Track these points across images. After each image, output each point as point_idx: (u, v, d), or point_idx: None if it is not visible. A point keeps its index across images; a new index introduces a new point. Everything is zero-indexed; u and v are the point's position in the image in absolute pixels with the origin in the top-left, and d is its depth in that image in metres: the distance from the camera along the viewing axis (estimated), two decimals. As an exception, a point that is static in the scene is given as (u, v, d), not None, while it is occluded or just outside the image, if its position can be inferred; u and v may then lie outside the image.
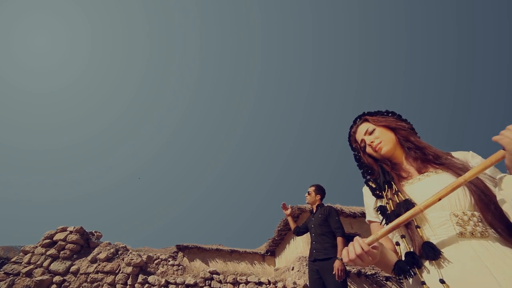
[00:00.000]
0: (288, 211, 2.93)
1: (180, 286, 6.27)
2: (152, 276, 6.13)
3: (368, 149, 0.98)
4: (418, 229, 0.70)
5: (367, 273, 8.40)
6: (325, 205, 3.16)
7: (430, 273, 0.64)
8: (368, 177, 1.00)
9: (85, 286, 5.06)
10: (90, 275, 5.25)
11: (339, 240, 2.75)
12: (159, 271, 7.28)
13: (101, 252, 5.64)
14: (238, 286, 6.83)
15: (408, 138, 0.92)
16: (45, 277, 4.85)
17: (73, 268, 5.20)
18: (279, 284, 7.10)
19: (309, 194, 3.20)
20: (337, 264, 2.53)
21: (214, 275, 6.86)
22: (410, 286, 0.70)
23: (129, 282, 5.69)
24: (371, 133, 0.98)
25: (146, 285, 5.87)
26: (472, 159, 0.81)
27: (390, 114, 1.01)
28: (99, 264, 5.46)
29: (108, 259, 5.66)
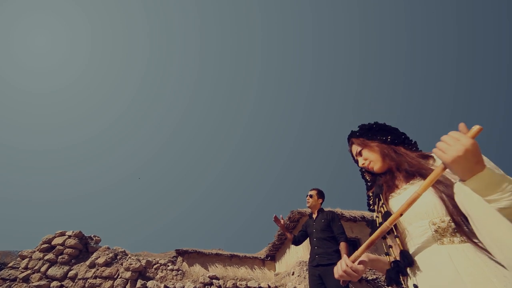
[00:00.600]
0: (282, 223, 2.80)
1: (179, 291, 6.16)
2: (151, 281, 6.03)
3: (364, 169, 1.05)
4: (397, 238, 0.75)
5: (368, 278, 8.29)
6: (325, 210, 3.11)
7: (410, 279, 0.69)
8: (367, 192, 1.05)
9: (83, 291, 4.95)
10: (88, 280, 5.14)
11: (343, 245, 2.72)
12: (158, 276, 7.16)
13: (99, 256, 5.54)
14: (238, 291, 6.71)
15: (388, 155, 0.95)
16: (42, 282, 4.74)
17: (71, 273, 5.09)
18: (280, 289, 6.98)
19: (311, 197, 3.13)
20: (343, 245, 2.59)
21: (213, 280, 6.75)
22: None
23: (127, 287, 5.59)
24: (361, 155, 1.03)
25: (145, 290, 5.77)
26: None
27: (373, 128, 1.03)
28: (97, 269, 5.35)
29: (107, 264, 5.56)
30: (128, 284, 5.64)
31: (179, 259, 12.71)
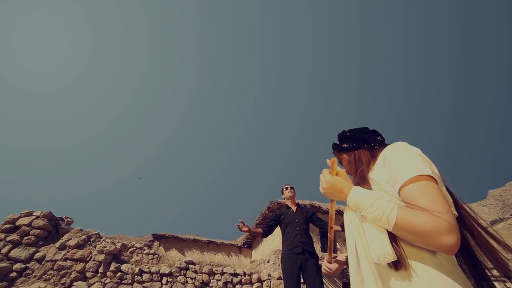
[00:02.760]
0: (246, 229, 2.72)
1: (154, 275, 5.96)
2: (125, 264, 5.76)
3: None
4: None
5: (339, 268, 8.64)
6: (301, 204, 3.28)
7: None
8: None
9: (50, 274, 4.57)
10: (57, 262, 4.76)
11: (336, 227, 2.85)
12: (133, 259, 6.88)
13: (71, 238, 5.14)
14: (214, 276, 6.65)
15: (352, 168, 0.98)
16: (3, 264, 4.29)
17: (37, 255, 4.66)
18: (254, 276, 7.02)
19: (293, 189, 3.28)
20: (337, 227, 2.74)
21: (190, 265, 6.61)
22: None
23: (100, 270, 5.28)
24: (341, 163, 1.08)
25: (119, 273, 5.50)
26: (393, 153, 0.79)
27: (345, 137, 1.03)
28: (68, 251, 4.96)
29: (79, 246, 5.19)
30: (101, 266, 5.33)
31: (156, 243, 12.39)
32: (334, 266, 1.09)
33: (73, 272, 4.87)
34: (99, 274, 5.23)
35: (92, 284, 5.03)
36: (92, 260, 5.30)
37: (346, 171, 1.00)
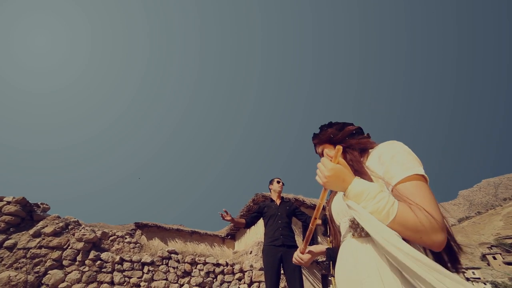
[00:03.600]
0: (229, 218, 2.76)
1: (136, 264, 5.83)
2: (105, 252, 5.58)
3: None
4: (329, 238, 0.92)
5: (318, 260, 8.88)
6: (285, 198, 3.32)
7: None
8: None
9: (23, 262, 4.32)
10: (31, 250, 4.50)
11: (318, 221, 2.98)
12: (114, 248, 6.68)
13: (47, 225, 4.86)
14: (196, 266, 6.62)
15: (345, 155, 0.98)
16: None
17: (8, 243, 4.37)
18: (236, 267, 7.07)
19: (283, 184, 3.29)
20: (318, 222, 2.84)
21: (172, 255, 6.53)
22: None
23: (78, 258, 5.07)
24: (322, 155, 1.05)
25: (99, 261, 5.32)
26: (390, 150, 0.81)
27: (327, 129, 1.05)
28: (43, 239, 4.70)
29: (56, 234, 4.92)
30: (80, 255, 5.12)
31: (138, 232, 12.13)
32: (306, 256, 1.09)
33: (49, 260, 4.63)
34: (77, 263, 5.03)
35: (69, 273, 4.83)
36: (70, 248, 5.07)
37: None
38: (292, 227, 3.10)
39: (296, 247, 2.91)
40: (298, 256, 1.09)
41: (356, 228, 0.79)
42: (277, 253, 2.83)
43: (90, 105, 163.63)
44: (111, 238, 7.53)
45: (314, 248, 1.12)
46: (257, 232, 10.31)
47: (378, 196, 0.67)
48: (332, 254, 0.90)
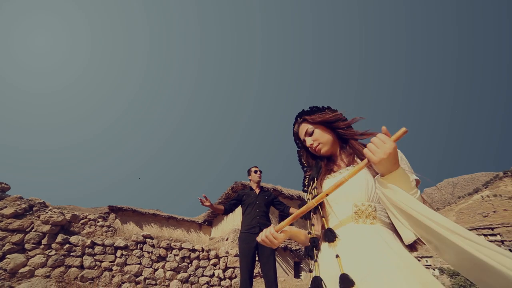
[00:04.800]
0: (208, 203, 2.78)
1: (108, 248, 5.62)
2: (75, 236, 5.30)
3: (311, 149, 1.03)
4: (323, 218, 0.83)
5: (292, 248, 9.21)
6: (264, 188, 3.35)
7: (327, 252, 0.77)
8: (304, 174, 1.06)
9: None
10: (-13, 232, 4.13)
11: (292, 210, 2.99)
12: (85, 231, 6.36)
13: (6, 206, 4.45)
14: (171, 251, 6.55)
15: (345, 136, 0.98)
16: None
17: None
18: (212, 253, 7.11)
19: (261, 173, 3.31)
20: (293, 210, 2.91)
21: (147, 239, 6.38)
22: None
23: (44, 241, 4.76)
24: (310, 134, 1.01)
25: (67, 245, 5.04)
26: None
27: (326, 109, 1.04)
28: (1, 221, 4.32)
29: (17, 216, 4.54)
30: (46, 238, 4.79)
31: (112, 215, 11.68)
32: (280, 236, 0.88)
33: (8, 243, 4.28)
34: (42, 246, 4.71)
35: (32, 257, 4.51)
36: (34, 231, 4.73)
37: (314, 145, 1.00)
38: (269, 216, 3.15)
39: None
40: (271, 234, 0.87)
41: (362, 215, 0.79)
42: (253, 241, 2.88)
43: (90, 105, 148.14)
44: (82, 221, 7.16)
45: (290, 229, 0.93)
46: (234, 219, 10.41)
47: (415, 188, 0.71)
48: (317, 243, 0.83)
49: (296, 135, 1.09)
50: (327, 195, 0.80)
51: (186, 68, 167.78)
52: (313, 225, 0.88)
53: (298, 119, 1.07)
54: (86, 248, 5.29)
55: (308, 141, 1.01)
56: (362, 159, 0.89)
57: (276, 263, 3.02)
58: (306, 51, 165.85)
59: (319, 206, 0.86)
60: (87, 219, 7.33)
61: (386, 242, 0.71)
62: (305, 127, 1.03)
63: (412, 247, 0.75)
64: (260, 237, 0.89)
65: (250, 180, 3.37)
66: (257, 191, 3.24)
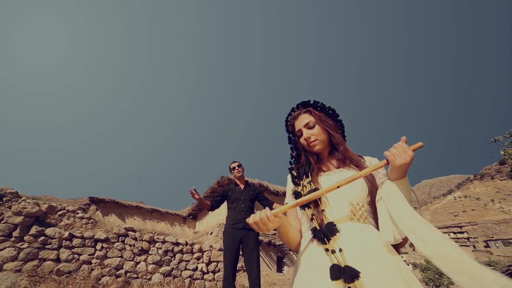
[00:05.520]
0: (198, 196, 2.81)
1: (88, 240, 5.40)
2: (52, 228, 5.03)
3: (302, 141, 1.01)
4: (323, 212, 0.84)
5: (276, 243, 9.31)
6: (250, 182, 3.34)
7: (317, 246, 0.80)
8: (293, 165, 1.05)
9: None
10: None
11: (276, 205, 2.98)
12: (62, 223, 6.06)
13: (-27, 196, 4.14)
14: (154, 244, 6.40)
15: (339, 145, 1.01)
16: None
17: None
18: (196, 246, 7.04)
19: (240, 167, 3.28)
20: (276, 205, 2.88)
21: (130, 232, 6.19)
22: (305, 256, 0.83)
23: (15, 233, 4.47)
24: (310, 128, 1.00)
25: (42, 237, 4.78)
26: (374, 162, 0.98)
27: (330, 112, 1.05)
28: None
29: (-14, 206, 4.23)
30: (18, 230, 4.50)
31: (93, 207, 11.23)
32: (274, 220, 0.82)
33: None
34: (12, 239, 4.43)
35: (0, 250, 4.25)
36: (4, 223, 4.43)
37: (310, 139, 1.00)
38: (254, 212, 3.11)
39: (254, 230, 3.01)
40: (266, 216, 0.81)
41: (356, 214, 0.84)
42: (237, 235, 2.89)
43: (90, 105, 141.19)
44: (59, 212, 6.82)
45: (284, 218, 0.89)
46: (219, 214, 10.35)
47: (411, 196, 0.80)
48: (324, 233, 0.80)
49: (291, 121, 1.06)
50: (338, 187, 0.81)
51: (186, 68, 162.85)
52: (314, 215, 0.87)
53: (300, 107, 1.05)
54: (64, 241, 5.04)
55: (306, 133, 1.00)
56: (356, 165, 0.95)
57: (260, 257, 3.03)
58: (306, 51, 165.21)
59: (319, 201, 0.87)
60: (65, 211, 6.99)
61: (380, 241, 0.77)
62: (307, 119, 1.01)
63: (396, 247, 0.81)
64: (253, 219, 0.83)
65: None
66: (242, 186, 3.23)
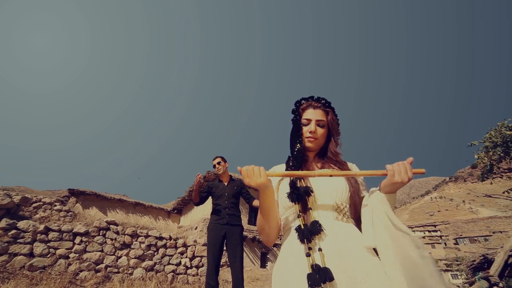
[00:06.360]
0: (199, 183, 2.87)
1: (66, 234, 5.15)
2: (25, 221, 4.75)
3: (305, 130, 1.02)
4: (310, 210, 0.86)
5: (260, 240, 9.39)
6: (235, 178, 3.33)
7: (299, 244, 0.81)
8: (291, 157, 1.05)
9: None
10: None
11: (256, 202, 2.97)
12: (38, 216, 5.74)
13: None
14: (137, 238, 6.23)
15: (334, 154, 1.04)
16: None
17: None
18: (180, 241, 6.93)
19: (219, 164, 3.21)
20: (256, 202, 2.84)
21: (111, 226, 5.97)
22: (288, 251, 0.84)
23: (-16, 226, 4.18)
24: (319, 126, 1.01)
25: (14, 231, 4.50)
26: (355, 169, 1.02)
27: (338, 123, 1.08)
28: None
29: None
30: (-13, 222, 4.22)
31: (72, 199, 10.74)
32: (263, 175, 0.84)
33: None
34: (-20, 231, 4.15)
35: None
36: (-28, 214, 4.14)
37: (312, 136, 1.01)
38: (239, 208, 3.16)
39: (240, 225, 3.04)
40: (258, 168, 0.84)
41: (340, 213, 0.88)
42: (221, 230, 2.90)
43: (90, 105, 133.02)
44: (34, 204, 6.46)
45: (271, 187, 0.89)
46: (204, 209, 10.25)
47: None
48: (319, 228, 0.84)
49: (304, 106, 1.05)
50: (331, 175, 0.86)
51: (186, 68, 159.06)
52: (300, 215, 0.88)
53: (322, 102, 1.05)
54: (38, 234, 4.78)
55: (314, 127, 1.01)
56: (341, 169, 0.99)
57: (244, 253, 3.03)
58: (306, 51, 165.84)
59: (306, 198, 0.89)
60: (41, 203, 6.62)
61: (361, 240, 0.81)
62: (322, 116, 1.03)
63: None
64: (246, 166, 0.86)
65: None
66: (226, 182, 3.22)
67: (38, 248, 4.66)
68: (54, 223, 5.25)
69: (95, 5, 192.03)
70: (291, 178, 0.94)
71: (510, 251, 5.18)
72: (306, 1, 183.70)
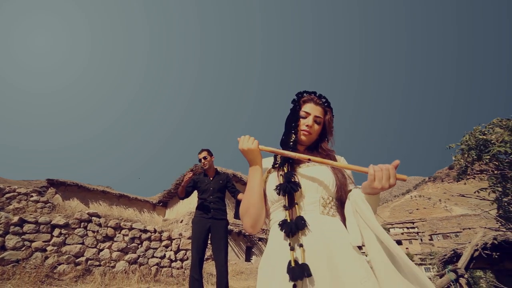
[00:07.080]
0: (188, 180, 2.87)
1: (43, 226, 4.91)
2: (-2, 211, 4.48)
3: (302, 123, 1.02)
4: (296, 205, 0.85)
5: (245, 234, 9.43)
6: (220, 172, 3.30)
7: (283, 238, 0.82)
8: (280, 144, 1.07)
9: None
10: None
11: (241, 195, 2.99)
12: (11, 207, 5.43)
13: None
14: (120, 231, 6.05)
15: (325, 148, 1.06)
16: None
17: None
18: (165, 234, 6.81)
19: (205, 159, 3.19)
20: (241, 196, 2.84)
21: (93, 218, 5.76)
22: (275, 245, 0.84)
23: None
24: (316, 122, 1.02)
25: (-15, 222, 4.24)
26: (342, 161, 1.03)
27: (333, 125, 1.11)
28: None
29: None
30: (-45, 212, 3.92)
31: (51, 190, 10.25)
32: (256, 144, 0.96)
33: None
34: None
35: None
36: None
37: (305, 129, 1.01)
38: (225, 202, 3.15)
39: (225, 219, 3.03)
40: (253, 139, 0.96)
41: (326, 207, 0.88)
42: (206, 224, 2.90)
43: (90, 105, 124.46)
44: (7, 195, 6.10)
45: (261, 165, 0.97)
46: (190, 202, 10.14)
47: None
48: (291, 227, 0.83)
49: (306, 99, 1.06)
50: (309, 160, 0.88)
51: (186, 68, 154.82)
52: (287, 208, 0.87)
53: (323, 100, 1.07)
54: (12, 226, 4.53)
55: (311, 122, 1.02)
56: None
57: (229, 246, 3.03)
58: (306, 51, 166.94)
59: (293, 193, 0.88)
60: (15, 193, 6.26)
61: (345, 235, 0.81)
62: (320, 113, 1.04)
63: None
64: (243, 135, 0.94)
65: None
66: (211, 176, 3.20)
67: (11, 241, 4.42)
68: (30, 214, 4.99)
69: (95, 5, 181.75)
70: (281, 173, 0.94)
71: (476, 245, 5.55)
72: (306, 1, 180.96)
